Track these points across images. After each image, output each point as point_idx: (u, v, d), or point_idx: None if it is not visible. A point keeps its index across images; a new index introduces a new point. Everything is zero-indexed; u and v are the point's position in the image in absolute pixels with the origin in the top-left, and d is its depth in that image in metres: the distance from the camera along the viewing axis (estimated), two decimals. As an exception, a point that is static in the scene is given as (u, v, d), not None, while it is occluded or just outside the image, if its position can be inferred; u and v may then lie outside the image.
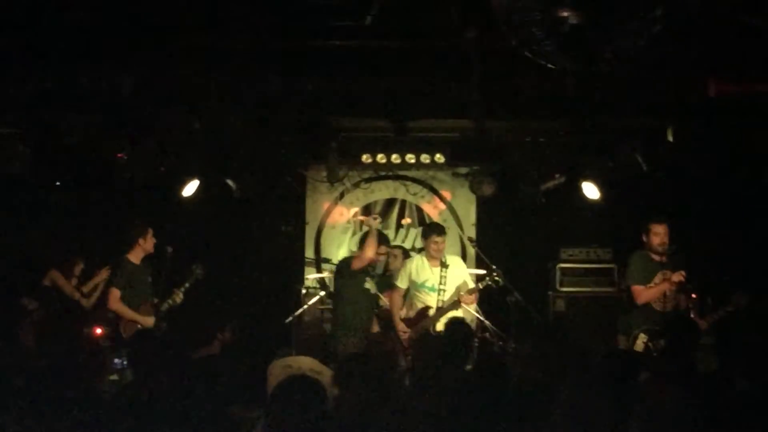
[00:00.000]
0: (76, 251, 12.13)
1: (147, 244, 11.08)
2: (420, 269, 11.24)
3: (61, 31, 9.12)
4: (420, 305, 11.19)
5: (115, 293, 10.85)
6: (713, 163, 11.43)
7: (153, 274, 11.17)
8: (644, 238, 10.59)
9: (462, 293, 11.00)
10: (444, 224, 13.50)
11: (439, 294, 11.10)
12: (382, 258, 11.81)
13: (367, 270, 11.35)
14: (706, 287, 10.78)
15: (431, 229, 11.53)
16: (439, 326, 10.68)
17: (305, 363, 8.34)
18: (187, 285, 11.30)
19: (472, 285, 11.20)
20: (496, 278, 10.97)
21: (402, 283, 11.32)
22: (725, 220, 12.02)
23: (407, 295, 11.42)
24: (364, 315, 11.32)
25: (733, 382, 6.49)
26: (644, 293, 10.39)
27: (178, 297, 11.23)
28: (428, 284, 11.18)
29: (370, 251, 11.13)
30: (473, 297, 11.03)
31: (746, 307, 10.72)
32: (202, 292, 12.08)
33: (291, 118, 11.41)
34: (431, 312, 11.05)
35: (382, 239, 11.85)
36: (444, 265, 11.16)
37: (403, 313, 11.29)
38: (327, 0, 8.82)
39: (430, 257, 11.22)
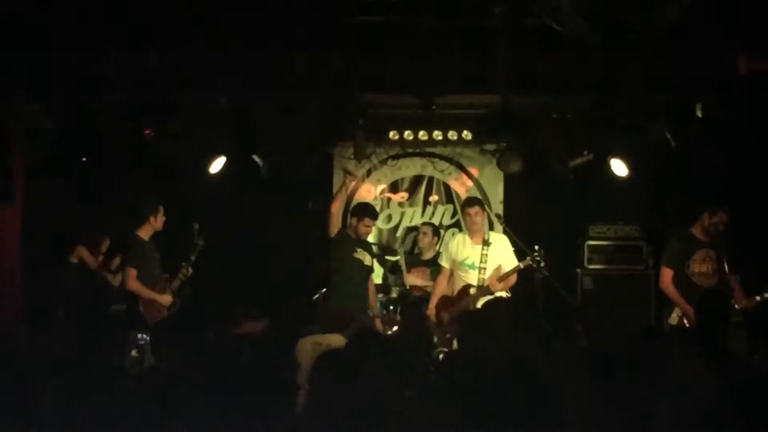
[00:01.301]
0: (103, 228, 12.12)
1: (158, 221, 11.05)
2: (461, 247, 11.10)
3: (88, 9, 9.13)
4: (462, 284, 11.01)
5: (132, 273, 10.82)
6: (743, 141, 11.33)
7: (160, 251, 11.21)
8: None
9: (490, 279, 10.83)
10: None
11: (480, 272, 10.88)
12: (367, 230, 11.39)
13: (358, 241, 11.31)
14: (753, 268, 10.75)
15: (465, 203, 11.44)
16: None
17: (334, 340, 8.32)
18: (192, 258, 11.27)
19: (508, 267, 10.94)
20: (537, 258, 10.80)
21: (446, 263, 11.21)
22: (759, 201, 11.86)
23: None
24: (359, 288, 11.25)
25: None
26: (669, 286, 10.40)
27: (187, 271, 11.21)
28: (468, 262, 10.99)
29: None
30: (502, 284, 10.79)
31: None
32: (229, 271, 12.09)
33: (317, 95, 11.37)
34: (472, 291, 10.84)
35: (369, 212, 11.52)
36: (486, 243, 10.95)
37: (446, 291, 11.19)
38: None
39: (471, 234, 11.07)
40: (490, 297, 10.56)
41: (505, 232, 11.54)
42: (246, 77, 10.64)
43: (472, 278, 10.94)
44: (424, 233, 12.62)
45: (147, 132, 11.50)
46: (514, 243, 11.19)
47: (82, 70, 10.32)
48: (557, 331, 9.77)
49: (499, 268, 10.91)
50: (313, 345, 8.21)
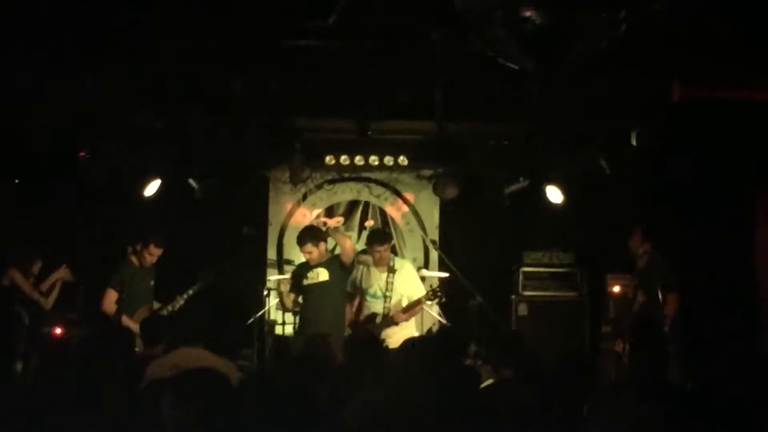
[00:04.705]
0: (33, 250, 11.97)
1: (155, 253, 11.05)
2: (365, 276, 11.12)
3: (24, 27, 9.03)
4: (367, 312, 11.05)
5: (111, 295, 10.78)
6: (677, 167, 11.44)
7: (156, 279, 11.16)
8: None
9: (395, 309, 10.84)
10: (407, 227, 13.53)
11: (385, 300, 10.93)
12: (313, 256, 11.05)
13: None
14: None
15: (374, 237, 11.38)
16: (393, 342, 9.90)
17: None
18: (190, 292, 11.24)
19: (414, 296, 10.96)
20: (438, 293, 10.80)
21: (349, 288, 11.18)
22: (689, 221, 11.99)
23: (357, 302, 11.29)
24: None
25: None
26: None
27: (179, 303, 11.17)
28: (371, 291, 11.05)
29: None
30: (406, 315, 10.84)
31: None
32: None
33: (254, 118, 11.33)
34: (378, 319, 10.85)
35: (318, 236, 11.19)
36: (392, 270, 10.99)
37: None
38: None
39: (375, 264, 11.08)
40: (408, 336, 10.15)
41: (440, 257, 11.54)
42: (182, 99, 10.58)
43: (377, 307, 10.97)
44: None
45: (81, 154, 11.41)
46: (449, 269, 11.22)
47: (17, 90, 10.19)
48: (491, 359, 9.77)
49: (409, 296, 10.95)
50: (172, 368, 7.97)
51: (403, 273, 11.08)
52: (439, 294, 10.82)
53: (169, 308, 11.12)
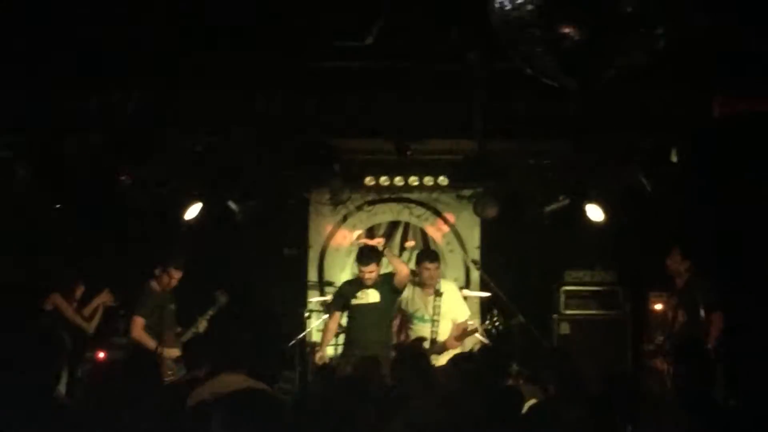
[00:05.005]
0: (76, 274, 12.02)
1: (175, 276, 11.08)
2: (411, 299, 11.01)
3: (62, 48, 9.09)
4: (413, 335, 10.92)
5: (139, 321, 10.86)
6: (717, 184, 11.34)
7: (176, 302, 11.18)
8: None
9: (442, 335, 10.69)
10: (447, 247, 13.48)
11: (432, 325, 10.80)
12: (372, 276, 10.93)
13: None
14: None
15: (424, 256, 11.26)
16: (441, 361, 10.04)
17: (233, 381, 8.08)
18: (210, 312, 11.27)
19: (461, 318, 10.83)
20: (496, 322, 10.72)
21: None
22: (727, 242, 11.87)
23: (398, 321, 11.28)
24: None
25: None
26: None
27: (202, 325, 11.20)
28: (418, 314, 10.93)
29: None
30: (459, 342, 10.64)
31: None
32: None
33: (293, 140, 11.35)
34: (426, 344, 10.62)
35: (379, 257, 11.08)
36: (438, 293, 10.88)
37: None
38: (330, 20, 8.80)
39: (423, 285, 10.96)
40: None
41: (481, 277, 11.48)
42: (221, 120, 10.62)
43: (425, 331, 10.81)
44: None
45: (122, 177, 11.46)
46: (490, 289, 11.18)
47: (58, 112, 10.26)
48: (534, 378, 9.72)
49: (453, 318, 10.80)
50: (212, 395, 7.97)
51: (448, 295, 10.98)
52: (498, 325, 10.70)
53: (194, 330, 11.13)
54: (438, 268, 11.07)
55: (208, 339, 11.05)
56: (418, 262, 11.12)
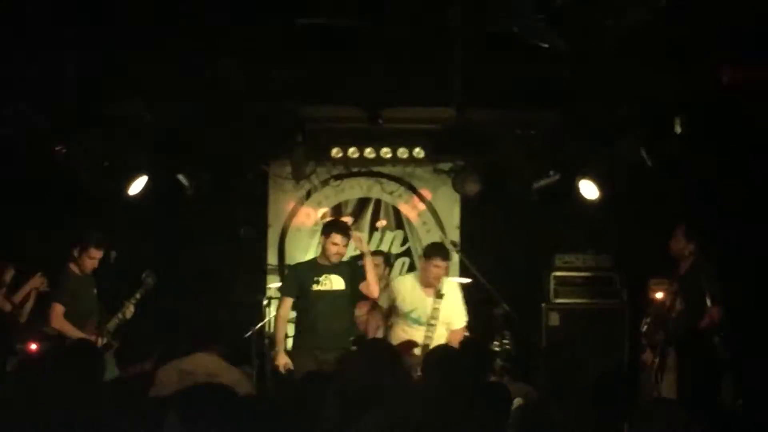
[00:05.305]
0: (6, 256, 11.94)
1: (96, 257, 10.96)
2: (408, 295, 10.55)
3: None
4: (403, 337, 10.46)
5: (58, 309, 10.67)
6: (726, 158, 11.35)
7: (98, 286, 11.06)
8: None
9: (436, 341, 10.11)
10: (424, 227, 13.47)
11: (427, 329, 10.31)
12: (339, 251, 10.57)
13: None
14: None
15: (434, 250, 10.72)
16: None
17: (211, 365, 8.12)
18: (137, 296, 11.15)
19: (458, 324, 10.58)
20: (507, 345, 10.70)
21: (382, 302, 10.78)
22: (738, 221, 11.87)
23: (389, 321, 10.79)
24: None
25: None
26: None
27: (129, 311, 11.08)
28: (414, 315, 10.45)
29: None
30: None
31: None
32: (151, 304, 11.95)
33: (251, 107, 11.30)
34: (417, 351, 10.19)
35: (343, 229, 10.75)
36: (439, 295, 10.38)
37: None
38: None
39: (425, 283, 10.52)
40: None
41: (461, 261, 11.47)
42: (171, 87, 10.55)
43: (418, 335, 10.39)
44: (375, 264, 11.57)
45: (58, 149, 11.37)
46: (471, 274, 11.16)
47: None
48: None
49: (449, 324, 10.48)
50: (180, 373, 8.02)
51: (450, 298, 10.53)
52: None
53: (120, 316, 11.05)
54: (448, 268, 10.74)
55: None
56: (427, 257, 10.63)
